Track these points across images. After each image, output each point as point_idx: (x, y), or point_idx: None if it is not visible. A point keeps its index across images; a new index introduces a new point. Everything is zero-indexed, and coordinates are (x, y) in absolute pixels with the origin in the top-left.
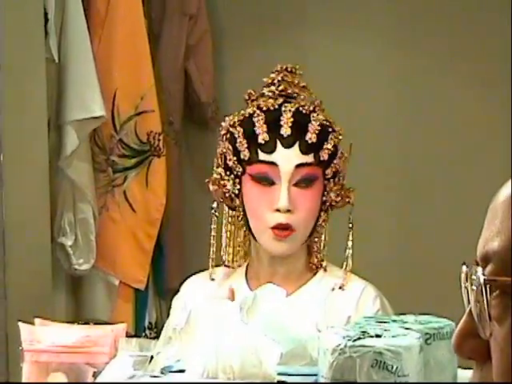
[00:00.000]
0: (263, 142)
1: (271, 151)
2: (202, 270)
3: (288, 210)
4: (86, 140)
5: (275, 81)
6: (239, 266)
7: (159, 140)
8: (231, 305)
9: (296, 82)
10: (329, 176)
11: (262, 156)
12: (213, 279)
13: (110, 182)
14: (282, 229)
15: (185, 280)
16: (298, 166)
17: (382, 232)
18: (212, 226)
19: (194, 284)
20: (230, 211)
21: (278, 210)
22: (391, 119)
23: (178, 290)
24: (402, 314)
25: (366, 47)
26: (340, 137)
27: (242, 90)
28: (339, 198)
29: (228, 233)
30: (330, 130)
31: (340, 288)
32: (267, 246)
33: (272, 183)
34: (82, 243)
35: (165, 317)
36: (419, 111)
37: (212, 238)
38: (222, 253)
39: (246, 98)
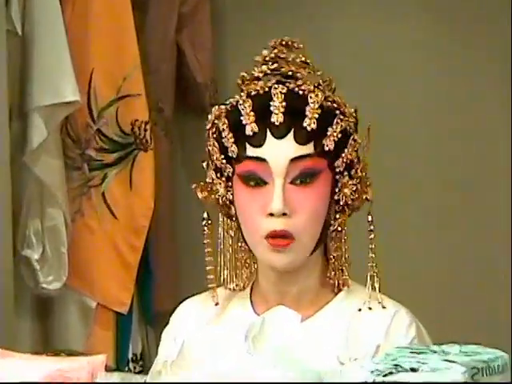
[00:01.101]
0: (251, 134)
1: (260, 144)
2: (199, 292)
3: (284, 214)
4: (57, 130)
5: (267, 58)
6: (243, 287)
7: (146, 130)
8: (234, 333)
9: (291, 57)
10: (340, 169)
11: (249, 151)
12: (215, 303)
13: (86, 182)
14: (279, 237)
15: (179, 303)
16: (294, 159)
17: (415, 239)
18: (205, 241)
19: (187, 310)
20: (228, 221)
21: (271, 215)
22: (425, 106)
23: (169, 315)
24: (442, 344)
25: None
26: (351, 120)
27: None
28: (356, 195)
29: (226, 247)
30: (337, 112)
31: (368, 309)
32: (264, 259)
33: (263, 183)
34: (51, 257)
35: (153, 347)
36: (456, 100)
37: (206, 253)
38: (220, 271)
39: (239, 82)
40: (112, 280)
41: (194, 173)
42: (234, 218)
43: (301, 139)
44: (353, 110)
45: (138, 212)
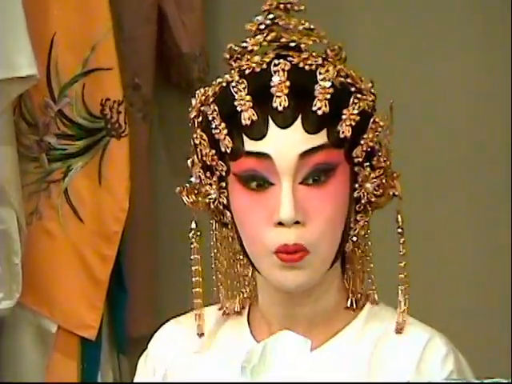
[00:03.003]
0: (249, 123)
1: (261, 136)
2: (182, 313)
3: (296, 222)
4: (8, 112)
5: (262, 26)
6: (240, 309)
7: (119, 112)
8: (229, 363)
9: (293, 23)
10: (360, 159)
11: (248, 145)
12: (200, 333)
13: (45, 176)
14: (291, 252)
15: (159, 327)
16: (304, 153)
17: (455, 246)
18: (193, 257)
19: (171, 335)
20: (221, 229)
21: (280, 224)
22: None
23: (146, 341)
24: (488, 378)
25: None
26: (371, 98)
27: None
28: (381, 191)
29: (220, 261)
30: (353, 89)
31: (397, 332)
32: (272, 278)
33: (268, 184)
34: (0, 269)
35: (126, 380)
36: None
37: (194, 272)
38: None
39: (227, 57)
40: (77, 298)
41: (179, 165)
42: (229, 226)
43: (311, 127)
44: (370, 84)
45: (109, 214)
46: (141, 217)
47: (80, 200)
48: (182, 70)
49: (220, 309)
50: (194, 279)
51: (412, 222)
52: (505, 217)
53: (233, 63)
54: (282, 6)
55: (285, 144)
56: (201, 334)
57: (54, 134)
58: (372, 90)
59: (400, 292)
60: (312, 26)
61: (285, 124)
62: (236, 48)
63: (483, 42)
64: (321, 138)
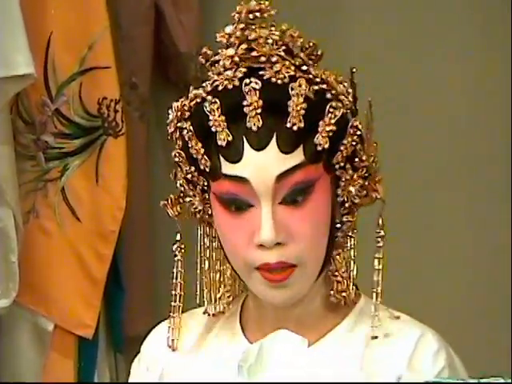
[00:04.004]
0: (224, 144)
1: (237, 159)
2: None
3: (278, 244)
4: (5, 110)
5: (232, 38)
6: (226, 310)
7: (116, 111)
8: (224, 363)
9: (263, 36)
10: (341, 164)
11: (225, 167)
12: (173, 347)
13: (42, 175)
14: (275, 270)
15: (154, 326)
16: (281, 175)
17: (455, 246)
18: (176, 270)
19: (162, 337)
20: (209, 230)
21: (261, 246)
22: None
23: (142, 340)
24: (482, 378)
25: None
26: (348, 101)
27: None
28: (364, 192)
29: (205, 264)
30: (329, 95)
31: (385, 336)
32: (259, 294)
33: (247, 206)
34: None
35: (122, 379)
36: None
37: (175, 286)
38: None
39: (203, 61)
40: (73, 297)
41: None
42: (214, 235)
43: (286, 146)
44: (345, 84)
45: (106, 213)
46: (138, 216)
47: (77, 199)
48: (179, 69)
49: (204, 312)
50: (174, 292)
51: (412, 221)
52: (505, 217)
53: (209, 67)
54: (251, 15)
55: (261, 167)
56: (173, 349)
57: (51, 132)
58: (350, 91)
59: (376, 295)
60: (285, 29)
61: (259, 146)
62: (209, 53)
63: (483, 41)
64: (297, 156)
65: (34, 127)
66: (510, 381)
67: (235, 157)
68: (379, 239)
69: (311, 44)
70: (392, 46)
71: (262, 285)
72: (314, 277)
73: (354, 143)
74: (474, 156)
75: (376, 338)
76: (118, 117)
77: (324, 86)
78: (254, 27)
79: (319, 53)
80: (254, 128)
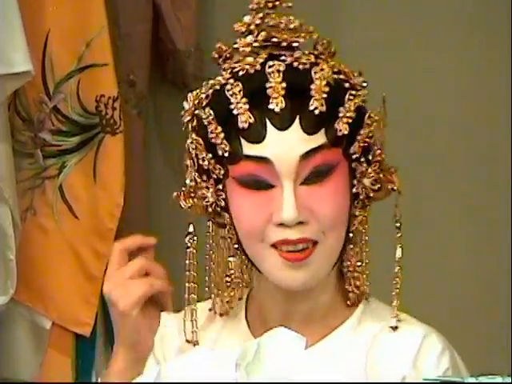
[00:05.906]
0: (246, 126)
1: (260, 139)
2: (178, 310)
3: (299, 223)
4: (3, 108)
5: (252, 26)
6: (229, 310)
7: (114, 109)
8: (223, 359)
9: (283, 22)
10: (357, 155)
11: (246, 149)
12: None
13: (40, 173)
14: (295, 250)
15: None
16: (305, 155)
17: (455, 246)
18: (188, 261)
19: (172, 328)
20: (218, 230)
21: (281, 225)
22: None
23: None
24: (482, 376)
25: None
26: (363, 92)
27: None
28: (378, 185)
29: (217, 263)
30: (347, 85)
31: (392, 331)
32: (275, 277)
33: (268, 186)
34: None
35: None
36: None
37: (188, 278)
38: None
39: (216, 56)
40: (71, 294)
41: (174, 162)
42: (227, 227)
43: (310, 128)
44: (361, 78)
45: (104, 210)
46: (135, 213)
47: (75, 196)
48: (177, 66)
49: (210, 309)
50: (187, 284)
51: (412, 221)
52: (505, 217)
53: (222, 63)
54: (270, 4)
55: (284, 147)
56: (195, 344)
57: (48, 130)
58: (363, 84)
59: (394, 294)
60: (301, 23)
61: (283, 126)
62: (224, 47)
63: (483, 41)
64: (320, 137)
65: (31, 125)
66: (508, 379)
67: (257, 137)
68: (398, 230)
69: (325, 41)
70: (392, 46)
71: (279, 264)
72: (332, 260)
73: (370, 135)
74: (474, 156)
75: (396, 328)
76: (116, 114)
77: (342, 76)
78: (272, 15)
79: (333, 50)
80: (277, 109)
